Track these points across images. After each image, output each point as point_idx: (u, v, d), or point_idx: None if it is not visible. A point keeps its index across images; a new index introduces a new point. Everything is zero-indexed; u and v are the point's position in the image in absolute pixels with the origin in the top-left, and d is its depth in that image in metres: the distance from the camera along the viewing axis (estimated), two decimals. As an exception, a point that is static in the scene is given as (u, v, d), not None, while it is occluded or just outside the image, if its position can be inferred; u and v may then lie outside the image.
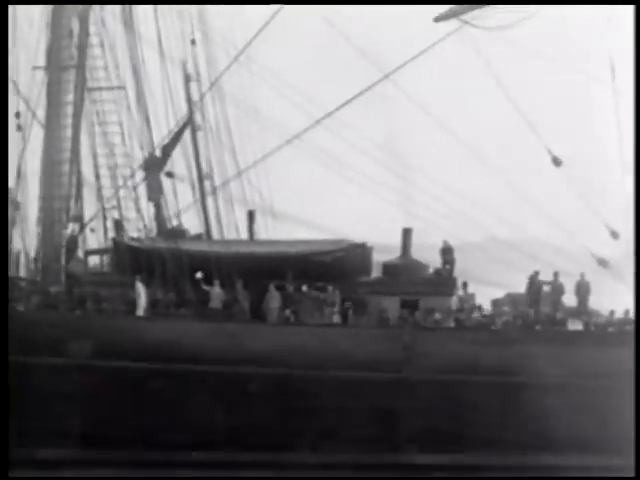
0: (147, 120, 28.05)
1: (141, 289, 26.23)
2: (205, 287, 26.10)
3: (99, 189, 29.22)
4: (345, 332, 25.92)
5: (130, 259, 26.62)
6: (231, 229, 30.35)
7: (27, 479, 24.82)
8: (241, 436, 25.38)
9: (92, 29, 29.37)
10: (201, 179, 32.19)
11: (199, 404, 25.49)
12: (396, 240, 29.51)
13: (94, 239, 29.45)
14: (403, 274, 27.77)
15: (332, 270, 27.00)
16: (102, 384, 25.46)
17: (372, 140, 29.20)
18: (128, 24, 28.56)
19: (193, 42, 29.53)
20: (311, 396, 25.30)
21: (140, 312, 26.14)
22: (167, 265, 26.08)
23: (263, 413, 25.37)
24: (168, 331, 25.63)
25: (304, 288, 26.36)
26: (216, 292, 26.17)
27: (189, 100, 32.32)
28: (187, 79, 32.47)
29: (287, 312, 26.01)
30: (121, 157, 29.05)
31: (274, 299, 26.02)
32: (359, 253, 27.76)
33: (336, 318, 26.20)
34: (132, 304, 26.48)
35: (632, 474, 22.86)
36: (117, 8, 28.99)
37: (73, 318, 26.06)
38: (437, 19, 30.29)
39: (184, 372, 25.42)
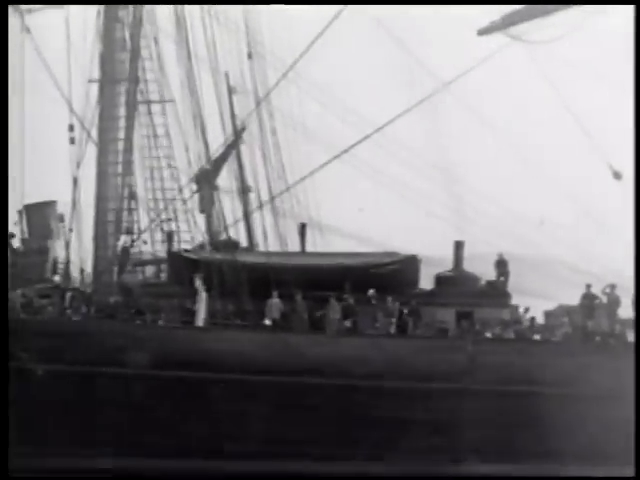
0: (203, 133, 28.17)
1: (203, 300, 26.29)
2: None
3: (151, 201, 29.44)
4: (405, 343, 26.01)
5: (188, 271, 26.69)
6: (276, 242, 30.50)
7: (27, 479, 24.78)
8: (301, 446, 25.38)
9: (143, 42, 29.67)
10: (244, 192, 32.32)
11: (258, 414, 25.49)
12: (440, 252, 29.73)
13: (146, 251, 29.57)
14: (456, 286, 27.92)
15: (388, 282, 27.14)
16: (161, 394, 25.53)
17: (422, 153, 29.47)
18: (180, 36, 28.76)
19: (250, 56, 29.65)
20: (371, 406, 25.35)
21: (200, 323, 26.22)
22: (226, 277, 26.16)
23: (323, 424, 25.39)
24: (227, 341, 25.72)
25: (371, 294, 26.43)
26: (275, 303, 26.27)
27: (232, 113, 32.47)
28: (231, 92, 32.62)
29: (347, 323, 26.14)
30: (173, 170, 29.28)
31: (334, 310, 26.12)
32: (412, 265, 27.92)
33: (393, 329, 26.31)
34: (189, 315, 26.59)
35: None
36: (168, 20, 29.25)
37: (132, 328, 26.10)
38: (480, 33, 30.59)
39: (243, 382, 25.47)
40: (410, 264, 27.90)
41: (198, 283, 26.29)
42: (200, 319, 26.17)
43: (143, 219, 29.44)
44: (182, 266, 27.08)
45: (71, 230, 27.92)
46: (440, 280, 28.31)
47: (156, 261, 29.57)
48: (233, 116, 32.58)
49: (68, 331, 25.82)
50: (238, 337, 25.86)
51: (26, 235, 29.67)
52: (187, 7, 29.82)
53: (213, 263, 26.49)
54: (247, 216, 31.63)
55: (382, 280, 27.07)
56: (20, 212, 29.45)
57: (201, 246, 28.53)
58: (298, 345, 25.60)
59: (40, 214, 29.47)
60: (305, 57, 30.17)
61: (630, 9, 28.03)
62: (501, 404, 25.21)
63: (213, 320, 26.20)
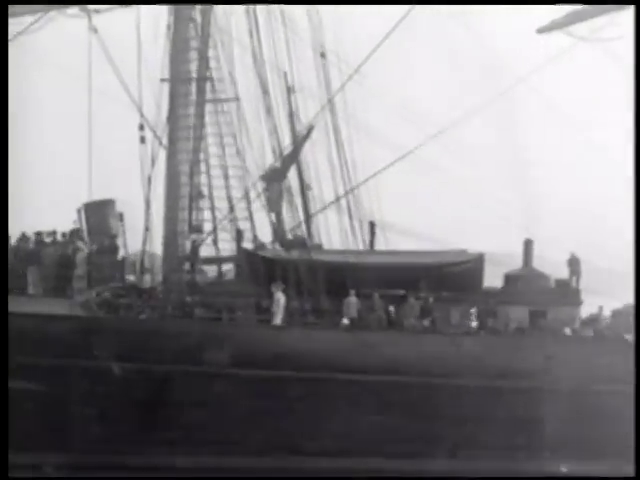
0: (275, 131, 28.33)
1: (281, 299, 26.46)
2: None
3: (218, 200, 29.56)
4: (484, 341, 26.16)
5: (264, 269, 26.83)
6: (340, 241, 30.60)
7: (27, 479, 24.89)
8: (379, 444, 25.55)
9: (210, 41, 29.78)
10: (304, 191, 32.42)
11: (337, 412, 25.64)
12: (496, 250, 29.83)
13: (214, 250, 29.66)
14: (526, 284, 28.07)
15: (461, 280, 27.30)
16: (239, 392, 25.69)
17: (491, 151, 29.64)
18: (251, 36, 28.92)
19: (323, 55, 29.75)
20: (449, 404, 25.50)
21: (278, 321, 26.39)
22: (302, 275, 26.31)
23: (402, 421, 25.54)
24: (306, 340, 25.87)
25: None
26: (352, 301, 26.40)
27: (291, 112, 32.55)
28: (289, 91, 32.73)
29: (425, 321, 26.30)
30: (241, 169, 29.37)
31: (412, 308, 26.27)
32: (481, 264, 28.09)
33: (471, 327, 26.48)
34: (265, 313, 26.75)
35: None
36: (238, 19, 29.42)
37: (211, 327, 26.23)
38: (540, 31, 30.69)
39: (322, 380, 25.61)
40: (480, 263, 28.07)
41: (276, 283, 26.52)
42: (278, 318, 26.39)
43: (211, 218, 29.70)
44: (258, 265, 27.19)
45: (147, 229, 28.04)
46: (510, 278, 28.47)
47: (224, 259, 29.66)
48: (292, 115, 32.69)
49: (146, 330, 26.02)
50: (317, 336, 26.00)
51: (85, 234, 29.87)
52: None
53: (289, 262, 26.64)
54: (307, 214, 31.73)
55: (456, 279, 27.23)
56: (79, 211, 29.64)
57: (260, 245, 28.62)
58: (376, 343, 25.76)
59: (99, 213, 29.45)
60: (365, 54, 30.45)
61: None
62: (580, 402, 25.37)
63: (291, 319, 26.37)
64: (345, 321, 26.26)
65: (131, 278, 27.74)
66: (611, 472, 25.11)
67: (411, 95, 30.61)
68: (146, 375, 25.54)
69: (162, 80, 28.97)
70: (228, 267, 29.98)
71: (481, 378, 25.46)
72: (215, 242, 29.31)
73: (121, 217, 29.60)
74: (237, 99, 30.09)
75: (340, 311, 26.52)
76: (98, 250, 28.09)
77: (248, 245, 28.70)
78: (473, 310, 26.36)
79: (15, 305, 26.01)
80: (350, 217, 28.99)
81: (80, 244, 27.37)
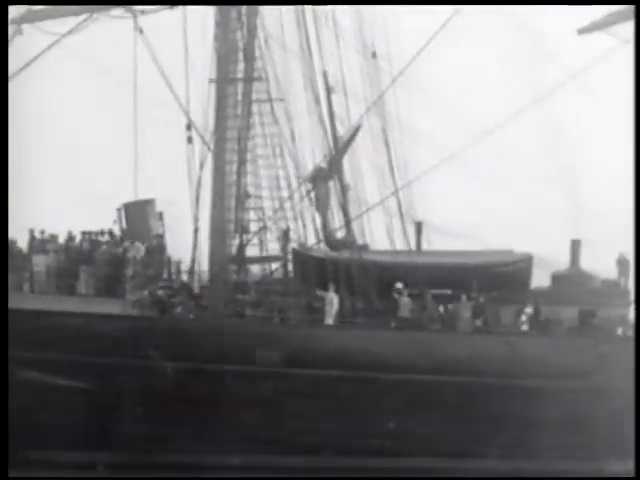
0: (325, 131, 28.41)
1: (334, 298, 26.49)
2: (396, 296, 26.38)
3: (263, 200, 29.63)
4: (537, 341, 26.22)
5: (315, 269, 26.90)
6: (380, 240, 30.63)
7: (27, 479, 24.85)
8: (432, 443, 25.62)
9: (256, 42, 29.84)
10: (344, 191, 32.44)
11: (389, 411, 25.72)
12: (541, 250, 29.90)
13: (259, 250, 29.74)
14: (574, 284, 28.13)
15: (511, 280, 27.37)
16: (291, 391, 25.75)
17: (536, 154, 29.68)
18: (300, 37, 28.99)
19: (374, 55, 29.80)
20: (502, 404, 25.55)
21: (330, 321, 26.44)
22: (354, 275, 26.37)
23: (453, 421, 25.60)
24: (358, 339, 25.93)
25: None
26: (405, 301, 26.48)
27: (331, 112, 32.54)
28: (329, 91, 32.72)
29: (478, 321, 26.36)
30: (287, 169, 29.44)
31: (465, 308, 26.34)
32: (529, 264, 28.16)
33: (523, 327, 26.56)
34: (315, 312, 26.82)
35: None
36: (287, 19, 29.51)
37: (262, 326, 26.30)
38: (581, 31, 30.75)
39: (374, 380, 25.68)
40: (529, 263, 28.12)
41: (329, 284, 26.61)
42: (330, 318, 26.45)
43: (257, 218, 29.80)
44: (309, 265, 27.26)
45: (197, 229, 28.11)
46: (557, 279, 28.53)
47: (271, 259, 29.71)
48: (332, 115, 32.69)
49: (199, 329, 26.08)
50: (369, 335, 26.08)
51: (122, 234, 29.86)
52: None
53: (341, 262, 26.71)
54: (346, 214, 31.65)
55: (506, 279, 27.30)
56: (119, 210, 29.71)
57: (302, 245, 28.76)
58: (429, 343, 25.83)
59: (139, 213, 29.58)
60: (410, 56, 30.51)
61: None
62: (633, 401, 25.38)
63: (342, 318, 26.43)
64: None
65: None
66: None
67: (456, 95, 30.64)
68: (198, 374, 25.62)
69: (210, 81, 29.04)
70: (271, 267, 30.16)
71: (533, 378, 25.52)
72: (261, 242, 29.46)
73: (161, 217, 29.74)
74: (282, 99, 30.24)
75: (391, 311, 26.58)
76: (147, 250, 28.17)
77: (294, 245, 28.76)
78: (528, 309, 26.41)
79: (67, 304, 26.24)
80: (401, 217, 28.99)
81: (136, 244, 27.42)
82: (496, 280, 27.20)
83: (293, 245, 29.14)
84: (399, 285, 26.31)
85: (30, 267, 27.13)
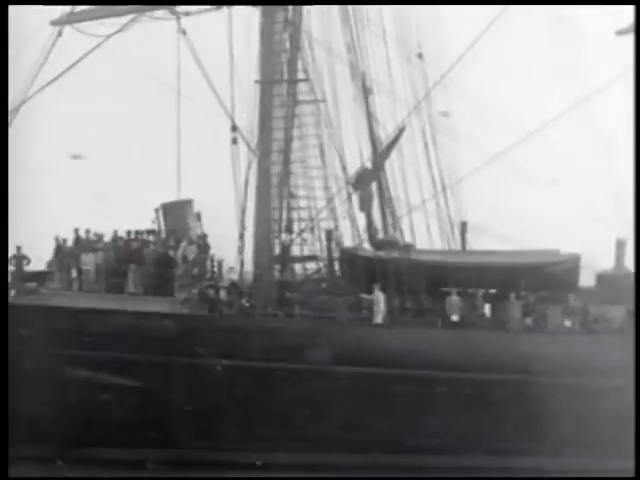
0: (372, 132, 28.55)
1: (381, 298, 26.62)
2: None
3: (307, 200, 29.77)
4: (587, 339, 26.32)
5: (364, 269, 27.02)
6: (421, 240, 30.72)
7: (27, 479, 24.88)
8: (481, 441, 25.73)
9: (300, 43, 29.97)
10: (382, 191, 32.54)
11: (439, 410, 25.80)
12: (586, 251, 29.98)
13: (303, 249, 29.86)
14: (619, 284, 28.20)
15: (559, 280, 27.49)
16: (340, 390, 25.84)
17: (577, 154, 29.78)
18: (345, 38, 29.14)
19: (420, 56, 29.94)
20: (551, 402, 25.62)
21: (379, 320, 26.56)
22: (403, 274, 26.50)
23: (503, 419, 25.68)
24: (408, 338, 26.05)
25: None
26: (455, 300, 26.61)
27: (369, 113, 32.60)
28: (367, 92, 32.80)
29: (527, 320, 26.48)
30: (331, 169, 29.59)
31: (515, 307, 26.45)
32: (577, 264, 28.28)
33: (572, 326, 26.66)
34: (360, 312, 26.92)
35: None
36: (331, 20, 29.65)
37: (310, 325, 26.42)
38: (619, 33, 30.84)
39: (423, 378, 25.79)
40: (577, 263, 28.24)
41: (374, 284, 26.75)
42: (379, 317, 26.57)
43: (301, 218, 29.93)
44: (357, 264, 27.37)
45: (244, 229, 28.24)
46: (602, 278, 28.62)
47: (313, 259, 29.81)
48: (369, 116, 32.74)
49: (248, 327, 26.19)
50: (418, 334, 26.19)
51: (163, 234, 29.99)
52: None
53: (389, 261, 26.83)
54: (383, 213, 31.60)
55: (554, 278, 27.40)
56: (157, 210, 29.82)
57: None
58: (480, 342, 25.91)
59: (177, 213, 29.69)
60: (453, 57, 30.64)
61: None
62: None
63: (391, 318, 26.54)
64: (454, 318, 26.39)
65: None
66: None
67: (498, 96, 30.73)
68: (247, 372, 25.75)
69: (256, 82, 29.20)
70: (312, 266, 30.28)
71: (585, 376, 25.60)
72: (305, 242, 29.60)
73: (199, 217, 29.85)
74: (324, 100, 30.36)
75: (440, 310, 26.70)
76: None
77: (339, 245, 28.87)
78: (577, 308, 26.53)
79: (116, 303, 26.38)
80: (448, 218, 29.14)
81: (183, 243, 27.57)
82: (544, 280, 27.30)
83: (337, 245, 29.33)
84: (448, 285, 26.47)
85: (78, 266, 27.41)
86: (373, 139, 32.00)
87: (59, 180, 33.11)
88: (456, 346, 25.82)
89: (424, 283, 26.51)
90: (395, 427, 25.77)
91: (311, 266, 29.92)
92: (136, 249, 27.06)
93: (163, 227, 29.70)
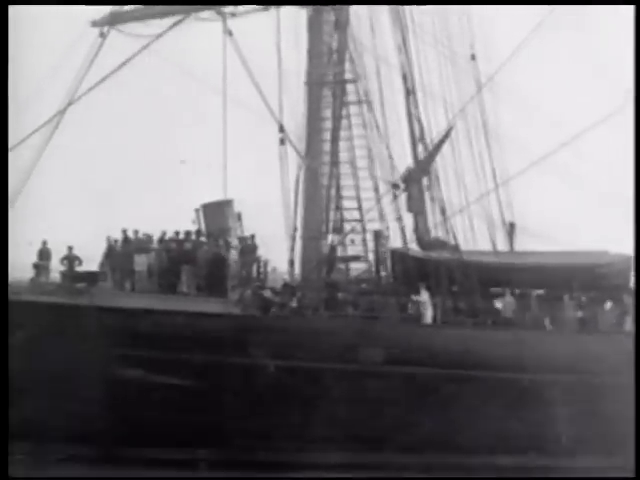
0: (422, 132, 28.65)
1: (427, 298, 26.69)
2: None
3: (354, 201, 29.86)
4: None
5: (415, 269, 27.10)
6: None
7: (27, 479, 24.87)
8: (534, 440, 25.78)
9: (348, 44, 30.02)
10: (421, 191, 32.56)
11: (492, 410, 25.84)
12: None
13: (350, 250, 29.93)
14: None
15: (612, 281, 27.56)
16: (393, 390, 25.93)
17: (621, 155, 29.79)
18: (395, 38, 29.22)
19: (473, 57, 30.00)
20: (609, 402, 25.69)
21: (426, 320, 26.65)
22: (455, 275, 26.59)
23: (559, 420, 25.73)
24: (461, 338, 26.13)
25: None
26: (508, 301, 26.67)
27: (409, 114, 32.58)
28: (408, 93, 32.79)
29: (580, 320, 26.54)
30: (379, 170, 29.66)
31: (569, 308, 26.53)
32: (629, 264, 28.36)
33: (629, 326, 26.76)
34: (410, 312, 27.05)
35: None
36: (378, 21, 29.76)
37: (364, 325, 26.48)
38: None
39: (476, 379, 25.84)
40: (629, 263, 28.29)
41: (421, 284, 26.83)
42: (427, 317, 26.64)
43: (349, 219, 30.02)
44: (408, 264, 27.45)
45: (296, 229, 28.34)
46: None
47: (357, 259, 29.87)
48: (410, 116, 32.76)
49: (301, 328, 26.26)
50: (472, 334, 26.25)
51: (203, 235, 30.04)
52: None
53: (441, 262, 26.90)
54: (444, 213, 31.34)
55: (607, 279, 27.48)
56: (197, 211, 29.85)
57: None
58: (534, 342, 25.98)
59: (218, 213, 29.72)
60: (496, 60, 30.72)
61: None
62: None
63: (445, 318, 26.62)
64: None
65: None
66: None
67: (542, 98, 30.81)
68: (300, 372, 25.82)
69: (305, 83, 29.31)
70: (359, 266, 30.35)
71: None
72: (352, 242, 29.67)
73: (239, 217, 29.91)
74: (370, 101, 30.40)
75: (491, 310, 26.78)
76: (242, 249, 28.39)
77: (388, 246, 28.93)
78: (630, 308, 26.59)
79: (169, 303, 26.44)
80: (501, 218, 29.24)
81: (235, 243, 27.67)
82: (596, 281, 27.38)
83: (381, 246, 29.39)
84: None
85: (130, 266, 27.49)
86: (414, 139, 32.15)
87: (103, 180, 33.28)
88: (510, 346, 25.87)
89: (476, 284, 26.57)
90: (448, 427, 25.83)
91: (355, 266, 30.09)
92: (189, 250, 27.12)
93: (203, 227, 29.85)
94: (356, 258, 29.68)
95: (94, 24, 31.55)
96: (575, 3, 28.63)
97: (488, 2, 29.45)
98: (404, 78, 31.50)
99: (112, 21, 31.34)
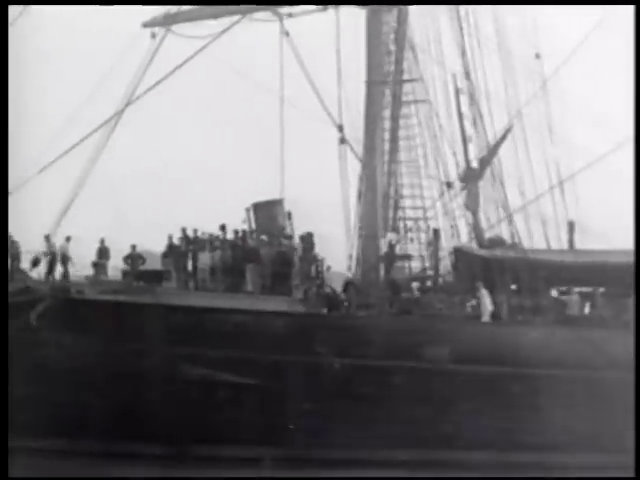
0: (484, 131, 28.78)
1: (486, 296, 26.81)
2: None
3: (413, 199, 29.98)
4: None
5: (479, 267, 27.20)
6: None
7: (27, 479, 24.75)
8: (599, 439, 25.91)
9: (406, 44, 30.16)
10: (478, 190, 32.57)
11: (557, 408, 25.93)
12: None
13: (405, 248, 30.09)
14: None
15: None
16: (459, 388, 26.03)
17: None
18: (455, 38, 29.39)
19: (537, 56, 30.08)
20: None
21: (485, 318, 26.76)
22: (520, 273, 26.69)
23: (624, 417, 25.80)
24: (527, 337, 26.21)
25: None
26: (574, 299, 26.77)
27: (460, 114, 32.69)
28: (458, 92, 32.89)
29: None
30: (437, 169, 29.76)
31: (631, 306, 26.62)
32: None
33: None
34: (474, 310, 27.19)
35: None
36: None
37: (430, 323, 26.59)
38: None
39: (542, 377, 25.88)
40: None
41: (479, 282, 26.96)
42: (485, 315, 26.76)
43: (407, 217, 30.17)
44: (471, 262, 27.55)
45: (362, 228, 28.46)
46: None
47: (406, 257, 29.98)
48: (460, 116, 32.85)
49: (366, 326, 26.37)
50: (539, 333, 26.33)
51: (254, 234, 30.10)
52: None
53: (507, 260, 27.00)
54: (506, 209, 31.32)
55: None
56: (248, 210, 29.94)
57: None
58: (600, 340, 26.05)
59: (268, 212, 29.74)
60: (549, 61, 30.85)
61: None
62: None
63: (511, 316, 26.72)
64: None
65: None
66: None
67: (598, 98, 30.88)
68: (366, 371, 25.90)
69: (366, 83, 29.43)
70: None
71: None
72: (412, 241, 29.78)
73: (289, 216, 29.99)
74: (424, 101, 30.50)
75: (558, 309, 26.87)
76: (303, 248, 28.45)
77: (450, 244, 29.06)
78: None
79: (233, 302, 26.54)
80: (565, 216, 29.37)
81: (295, 243, 27.76)
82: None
83: (430, 244, 29.52)
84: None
85: (193, 265, 27.62)
86: (464, 138, 32.26)
87: (159, 181, 33.41)
88: (576, 344, 25.94)
89: (542, 282, 26.66)
90: (514, 425, 25.89)
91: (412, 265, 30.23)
92: (253, 248, 27.24)
93: (254, 226, 29.95)
94: (408, 257, 29.85)
95: (145, 25, 31.72)
96: (575, 3, 28.89)
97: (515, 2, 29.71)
98: (454, 78, 31.78)
99: (164, 22, 31.48)
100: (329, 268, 29.15)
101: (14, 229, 27.56)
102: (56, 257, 27.56)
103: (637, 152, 27.43)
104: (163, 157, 33.68)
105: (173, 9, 31.54)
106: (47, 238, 27.64)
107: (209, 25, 30.86)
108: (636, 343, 25.49)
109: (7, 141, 26.30)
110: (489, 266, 27.09)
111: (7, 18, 27.03)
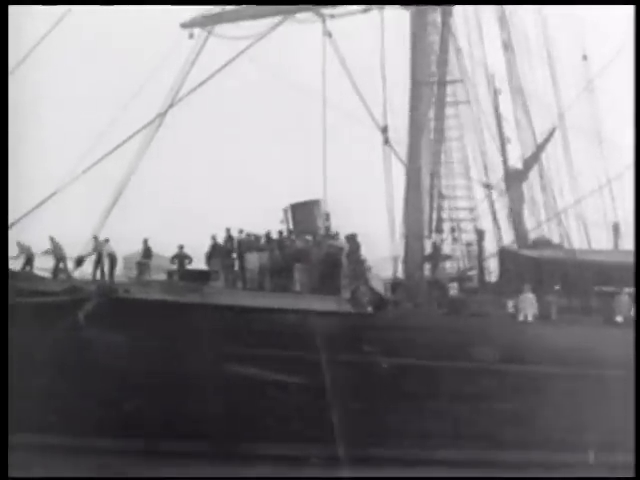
0: (533, 133, 28.83)
1: (528, 297, 26.83)
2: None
3: (461, 200, 29.99)
4: None
5: (526, 267, 27.20)
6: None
7: (27, 479, 24.70)
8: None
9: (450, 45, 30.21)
10: (522, 191, 32.53)
11: (603, 407, 25.91)
12: None
13: (451, 249, 30.09)
14: None
15: None
16: (507, 387, 26.00)
17: None
18: (504, 37, 29.38)
19: (585, 58, 30.11)
20: None
21: (530, 318, 26.71)
22: (569, 274, 26.69)
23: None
24: (577, 337, 26.20)
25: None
26: (624, 300, 26.77)
27: (498, 114, 32.67)
28: (495, 93, 32.89)
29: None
30: (480, 170, 29.80)
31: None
32: None
33: None
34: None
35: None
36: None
37: (478, 323, 26.61)
38: None
39: (589, 376, 25.87)
40: None
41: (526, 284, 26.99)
42: (529, 314, 26.74)
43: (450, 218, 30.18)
44: (519, 263, 27.56)
45: (407, 229, 28.50)
46: None
47: (446, 258, 29.99)
48: (499, 117, 32.87)
49: (414, 326, 26.38)
50: (588, 333, 26.31)
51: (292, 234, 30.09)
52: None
53: (554, 261, 27.00)
54: (551, 209, 31.39)
55: None
56: (285, 211, 29.93)
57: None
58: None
59: (306, 212, 29.75)
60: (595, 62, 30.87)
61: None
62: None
63: (561, 316, 26.71)
64: (619, 319, 26.56)
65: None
66: None
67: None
68: (414, 370, 25.93)
69: (411, 83, 29.46)
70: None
71: None
72: (455, 241, 29.80)
73: (327, 217, 30.02)
74: (467, 102, 30.52)
75: (608, 309, 26.86)
76: (350, 249, 28.50)
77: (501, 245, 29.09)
78: None
79: (282, 302, 26.56)
80: (614, 215, 29.39)
81: (344, 242, 27.79)
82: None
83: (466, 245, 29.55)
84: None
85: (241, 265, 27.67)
86: (502, 139, 32.30)
87: (199, 181, 33.52)
88: (625, 345, 25.90)
89: (590, 282, 26.67)
90: (560, 425, 25.88)
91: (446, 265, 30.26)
92: (302, 248, 27.28)
93: (292, 227, 29.98)
94: (447, 257, 29.87)
95: (183, 25, 31.75)
96: (575, 3, 28.82)
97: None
98: (491, 78, 31.78)
99: (204, 23, 31.52)
100: (370, 268, 29.25)
101: (58, 229, 27.75)
102: (102, 257, 27.69)
103: (637, 151, 27.37)
104: (205, 158, 33.77)
105: (212, 9, 31.62)
106: (95, 239, 27.75)
107: (250, 26, 31.00)
108: (636, 343, 25.50)
109: (7, 142, 26.29)
110: (538, 267, 27.10)
111: (7, 18, 27.06)
